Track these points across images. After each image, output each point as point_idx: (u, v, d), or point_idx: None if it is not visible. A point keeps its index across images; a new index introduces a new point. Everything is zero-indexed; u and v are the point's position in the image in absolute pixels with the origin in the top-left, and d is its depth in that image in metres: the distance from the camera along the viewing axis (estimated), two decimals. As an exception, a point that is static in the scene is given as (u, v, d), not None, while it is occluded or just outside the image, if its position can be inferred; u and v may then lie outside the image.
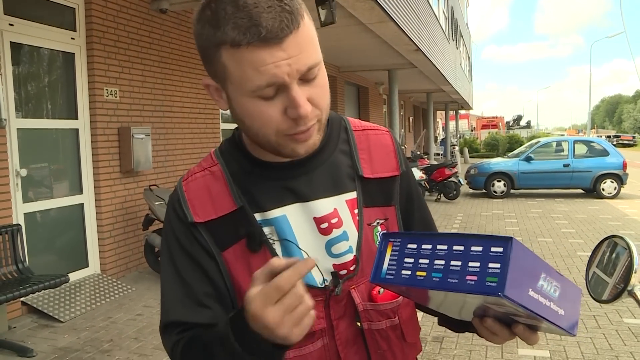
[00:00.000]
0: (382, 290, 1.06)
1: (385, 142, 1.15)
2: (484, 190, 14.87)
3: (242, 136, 1.08)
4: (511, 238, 0.71)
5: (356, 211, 1.06)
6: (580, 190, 14.88)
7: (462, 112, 45.85)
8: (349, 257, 1.04)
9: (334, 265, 1.03)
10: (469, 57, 32.30)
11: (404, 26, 9.29)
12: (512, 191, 14.73)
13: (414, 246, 0.82)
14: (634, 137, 65.53)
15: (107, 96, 6.15)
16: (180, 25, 7.56)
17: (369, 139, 1.13)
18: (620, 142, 57.74)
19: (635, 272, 1.07)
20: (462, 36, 25.54)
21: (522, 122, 79.06)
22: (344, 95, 15.84)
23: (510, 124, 70.78)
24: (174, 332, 1.00)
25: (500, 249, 0.72)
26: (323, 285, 1.02)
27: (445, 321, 1.12)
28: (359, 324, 1.04)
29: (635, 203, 13.33)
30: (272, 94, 0.88)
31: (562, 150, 15.11)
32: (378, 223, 1.08)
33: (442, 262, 0.77)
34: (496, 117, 58.42)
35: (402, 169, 1.14)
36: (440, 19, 16.11)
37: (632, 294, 1.07)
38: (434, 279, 0.77)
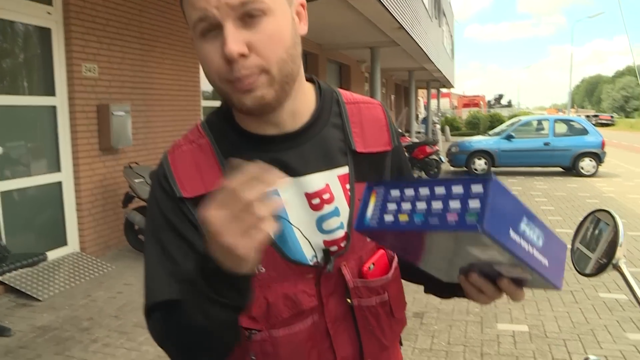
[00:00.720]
0: (372, 266, 1.05)
1: (378, 116, 1.12)
2: (465, 168, 14.96)
3: (230, 107, 1.04)
4: (491, 177, 0.72)
5: (348, 186, 1.04)
6: (560, 169, 15.04)
7: (444, 90, 45.92)
8: (340, 233, 1.02)
9: (324, 241, 1.01)
10: (451, 35, 32.26)
11: (387, 3, 9.23)
12: (492, 169, 14.82)
13: (397, 192, 0.82)
14: (612, 117, 66.22)
15: (86, 73, 6.04)
16: (160, 1, 7.42)
17: (361, 112, 1.10)
18: (599, 121, 58.30)
19: (620, 246, 1.08)
20: (444, 14, 25.47)
21: (504, 101, 79.43)
22: (326, 73, 15.75)
23: (492, 103, 71.07)
24: (161, 312, 0.96)
25: (480, 188, 0.72)
26: (313, 262, 1.00)
27: (432, 288, 1.13)
28: (349, 300, 1.02)
29: (612, 181, 13.54)
30: (206, 30, 0.87)
31: (543, 129, 15.25)
32: None
33: (424, 204, 0.77)
34: (477, 96, 58.53)
35: (394, 144, 1.13)
36: (423, -4, 16.02)
37: (617, 267, 1.08)
38: (416, 221, 0.77)
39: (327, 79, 16.11)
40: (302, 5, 1.00)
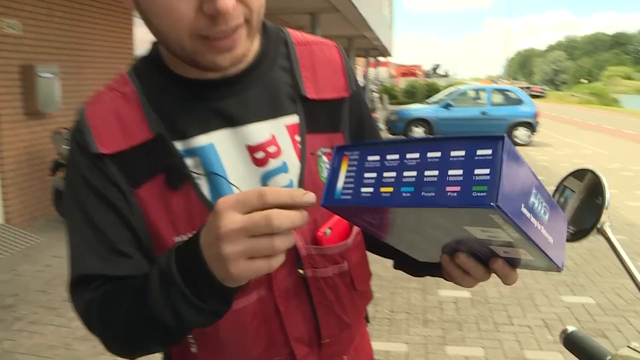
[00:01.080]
0: (328, 231, 0.91)
1: (333, 58, 0.97)
2: (404, 136, 15.11)
3: (160, 50, 0.89)
4: (503, 136, 0.56)
5: (298, 138, 0.90)
6: (496, 138, 15.43)
7: (382, 59, 46.19)
8: None
9: None
10: (390, 4, 32.32)
11: (328, -33, 9.04)
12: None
13: (377, 158, 0.64)
14: (543, 90, 68.54)
15: (7, 29, 5.60)
16: (88, -45, 6.98)
17: (313, 54, 0.96)
18: (531, 93, 60.15)
19: (606, 209, 1.01)
20: (384, -18, 25.44)
21: (440, 71, 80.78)
22: (265, 39, 15.46)
23: (429, 73, 72.10)
24: (87, 288, 0.84)
25: (489, 152, 0.56)
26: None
27: (402, 263, 1.01)
28: (301, 271, 0.89)
29: (545, 151, 14.01)
30: None
31: (480, 99, 15.58)
32: (323, 152, 0.92)
33: (414, 173, 0.60)
34: (415, 66, 59.32)
35: (352, 89, 0.98)
36: (363, -37, 15.88)
37: (601, 231, 1.01)
38: (404, 194, 0.60)
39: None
40: None
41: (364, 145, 0.68)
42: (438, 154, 0.59)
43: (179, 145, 0.84)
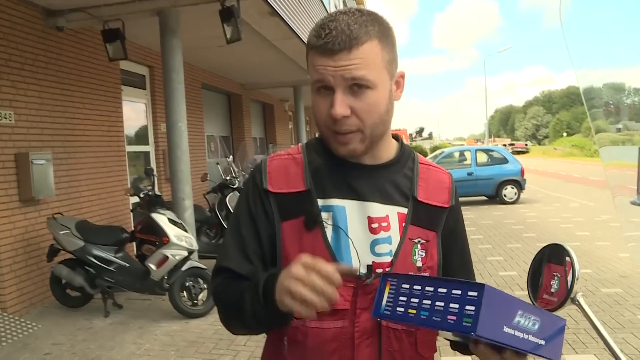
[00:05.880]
0: None
1: (443, 179, 1.32)
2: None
3: None
4: (484, 285, 0.84)
5: (403, 225, 1.21)
6: (484, 197, 15.53)
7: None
8: (387, 259, 1.18)
9: (373, 262, 1.17)
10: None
11: (310, 42, 9.33)
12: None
13: (407, 286, 0.96)
14: (526, 145, 69.57)
15: (1, 120, 5.72)
16: (79, 44, 7.20)
17: (429, 173, 1.30)
18: (515, 149, 61.07)
19: (577, 280, 1.11)
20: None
21: (425, 134, 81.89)
22: (250, 112, 15.73)
23: (414, 136, 73.08)
24: (220, 275, 1.24)
25: (476, 294, 0.85)
26: (358, 274, 1.15)
27: (456, 345, 1.24)
28: (378, 320, 1.13)
29: (534, 207, 14.12)
30: (322, 90, 1.13)
31: (465, 159, 15.78)
32: (419, 241, 1.22)
33: (429, 302, 0.91)
34: (399, 130, 60.20)
35: (452, 204, 1.31)
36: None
37: (575, 301, 1.11)
38: (422, 316, 0.91)
39: (252, 119, 16.09)
40: (402, 76, 1.23)
41: (400, 275, 1.01)
42: (445, 290, 0.89)
43: (320, 201, 1.19)
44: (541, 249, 1.24)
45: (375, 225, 1.18)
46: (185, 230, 5.81)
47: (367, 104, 1.11)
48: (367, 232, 1.18)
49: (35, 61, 6.31)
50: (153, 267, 5.56)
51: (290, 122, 21.19)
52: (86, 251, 5.65)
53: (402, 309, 0.95)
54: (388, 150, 1.27)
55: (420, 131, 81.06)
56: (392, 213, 1.20)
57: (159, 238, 5.63)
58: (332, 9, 14.07)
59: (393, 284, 1.00)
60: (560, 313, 1.09)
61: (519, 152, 58.83)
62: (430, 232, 1.24)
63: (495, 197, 14.97)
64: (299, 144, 1.32)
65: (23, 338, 5.25)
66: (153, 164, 9.38)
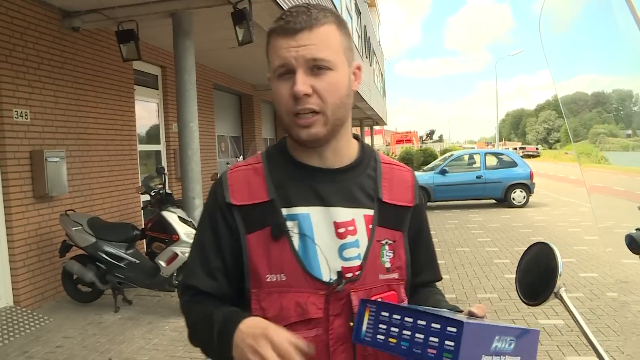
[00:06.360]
0: (381, 299, 1.18)
1: (406, 178, 1.34)
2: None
3: (287, 141, 1.29)
4: (462, 323, 0.86)
5: (370, 227, 1.22)
6: (493, 200, 15.52)
7: (377, 127, 46.85)
8: (356, 262, 1.18)
9: (342, 267, 1.17)
10: (382, 74, 33.11)
11: (320, 44, 9.40)
12: (428, 204, 15.15)
13: (387, 314, 0.98)
14: (537, 149, 69.19)
15: (17, 118, 5.86)
16: (94, 45, 7.34)
17: (392, 172, 1.32)
18: (526, 153, 60.76)
19: (560, 276, 1.19)
20: (375, 54, 26.16)
21: (435, 136, 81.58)
22: (261, 113, 15.83)
23: (424, 139, 72.79)
24: (187, 293, 1.25)
25: (455, 330, 0.86)
26: (329, 280, 1.15)
27: None
28: (351, 324, 1.13)
29: (542, 211, 14.08)
30: (283, 73, 1.14)
31: (474, 163, 15.78)
32: (387, 243, 1.23)
33: (409, 332, 0.93)
34: (410, 132, 59.93)
35: (416, 202, 1.33)
36: (353, 38, 16.41)
37: (558, 295, 1.19)
38: (402, 347, 0.93)
39: (262, 119, 16.18)
40: (358, 68, 1.25)
41: (379, 303, 1.03)
42: (424, 323, 0.92)
43: (284, 210, 1.18)
44: (528, 248, 1.33)
45: (341, 230, 1.18)
46: (195, 229, 5.88)
47: (328, 83, 1.14)
48: (334, 237, 1.18)
49: (51, 61, 6.45)
50: (163, 264, 5.67)
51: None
52: (97, 247, 5.77)
53: (383, 337, 0.97)
54: (350, 150, 1.28)
55: (430, 134, 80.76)
56: (358, 216, 1.21)
57: (169, 236, 5.74)
58: (343, 10, 14.13)
59: (372, 310, 1.02)
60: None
61: (529, 156, 58.54)
62: (396, 232, 1.25)
63: (503, 201, 14.95)
64: (258, 152, 1.31)
65: (35, 331, 5.38)
66: (164, 163, 9.51)
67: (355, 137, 1.33)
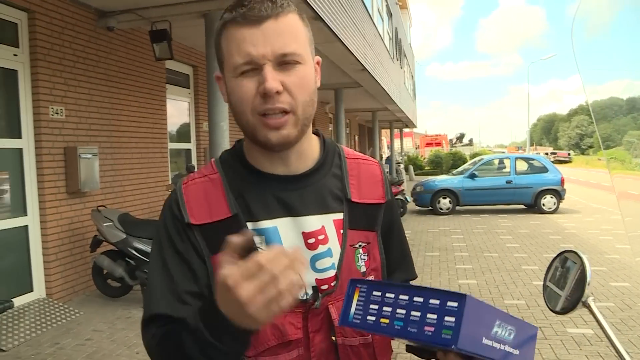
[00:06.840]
0: (372, 277, 1.13)
1: (375, 172, 1.23)
2: (430, 208, 15.13)
3: (243, 147, 1.16)
4: (465, 295, 0.78)
5: (342, 231, 1.12)
6: (522, 206, 15.34)
7: (407, 130, 46.71)
8: (331, 273, 1.09)
9: (316, 279, 1.08)
10: (412, 76, 32.96)
11: (350, 46, 9.44)
12: (457, 208, 15.04)
13: (379, 294, 0.89)
14: (569, 154, 68.15)
15: (53, 115, 5.99)
16: (128, 44, 7.46)
17: (359, 167, 1.21)
18: (557, 158, 59.85)
19: (588, 284, 1.15)
20: (405, 56, 26.07)
21: (465, 140, 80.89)
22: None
23: (453, 142, 72.24)
24: (154, 324, 1.04)
25: (456, 304, 0.78)
26: (304, 298, 1.06)
27: (413, 348, 1.14)
28: (333, 338, 1.08)
29: (573, 217, 13.87)
30: (249, 70, 1.00)
31: (504, 167, 15.61)
32: (360, 245, 1.14)
33: (404, 311, 0.84)
34: (439, 135, 59.57)
35: (388, 198, 1.22)
36: (384, 40, 16.41)
37: (586, 304, 1.15)
38: (396, 327, 0.84)
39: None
40: (318, 63, 1.14)
41: (370, 281, 0.94)
42: (421, 299, 0.83)
43: (249, 225, 1.07)
44: (556, 255, 1.32)
45: (312, 241, 1.09)
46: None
47: (298, 78, 1.02)
48: (304, 249, 1.08)
49: (86, 59, 6.58)
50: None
51: (330, 124, 21.28)
52: (127, 243, 5.86)
53: (374, 318, 0.87)
54: (312, 150, 1.17)
55: (460, 137, 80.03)
56: (327, 222, 1.11)
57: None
58: (375, 12, 14.12)
59: (362, 290, 0.92)
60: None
61: (560, 162, 57.65)
62: (369, 232, 1.16)
63: (533, 206, 14.76)
64: (211, 161, 1.18)
65: (66, 323, 5.50)
66: (194, 162, 9.61)
67: (316, 132, 1.22)
